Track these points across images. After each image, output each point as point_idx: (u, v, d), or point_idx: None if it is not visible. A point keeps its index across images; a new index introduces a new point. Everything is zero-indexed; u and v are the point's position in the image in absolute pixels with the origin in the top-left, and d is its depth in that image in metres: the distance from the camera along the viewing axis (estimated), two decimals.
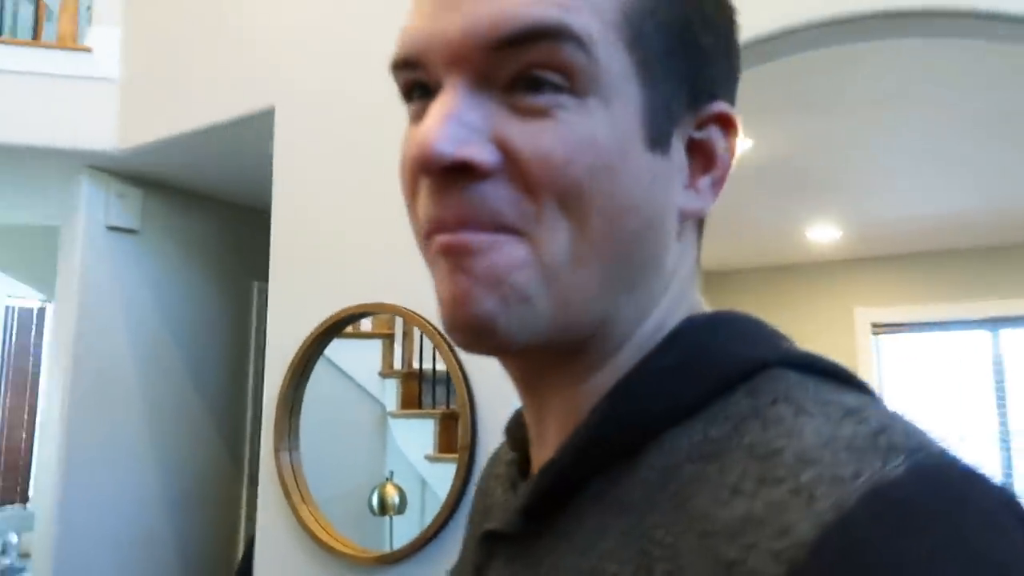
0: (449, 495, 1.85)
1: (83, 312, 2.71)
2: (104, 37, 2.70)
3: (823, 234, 4.63)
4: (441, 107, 0.39)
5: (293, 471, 2.08)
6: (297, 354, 2.09)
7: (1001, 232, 4.56)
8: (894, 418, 0.35)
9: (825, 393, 0.37)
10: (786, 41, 1.65)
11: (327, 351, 2.18)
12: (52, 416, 2.71)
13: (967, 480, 0.31)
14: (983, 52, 2.29)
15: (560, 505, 0.41)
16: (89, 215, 2.75)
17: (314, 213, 2.19)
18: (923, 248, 4.94)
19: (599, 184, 0.38)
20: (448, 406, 2.75)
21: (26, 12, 3.25)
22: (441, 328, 0.52)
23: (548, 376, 0.44)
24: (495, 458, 0.58)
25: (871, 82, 2.61)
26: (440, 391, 2.84)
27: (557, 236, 0.39)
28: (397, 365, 2.98)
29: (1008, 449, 4.83)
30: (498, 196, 0.38)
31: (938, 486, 0.31)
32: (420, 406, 2.89)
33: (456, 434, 1.89)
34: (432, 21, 0.40)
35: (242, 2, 2.49)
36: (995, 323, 4.89)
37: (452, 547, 1.82)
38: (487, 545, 0.46)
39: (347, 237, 2.11)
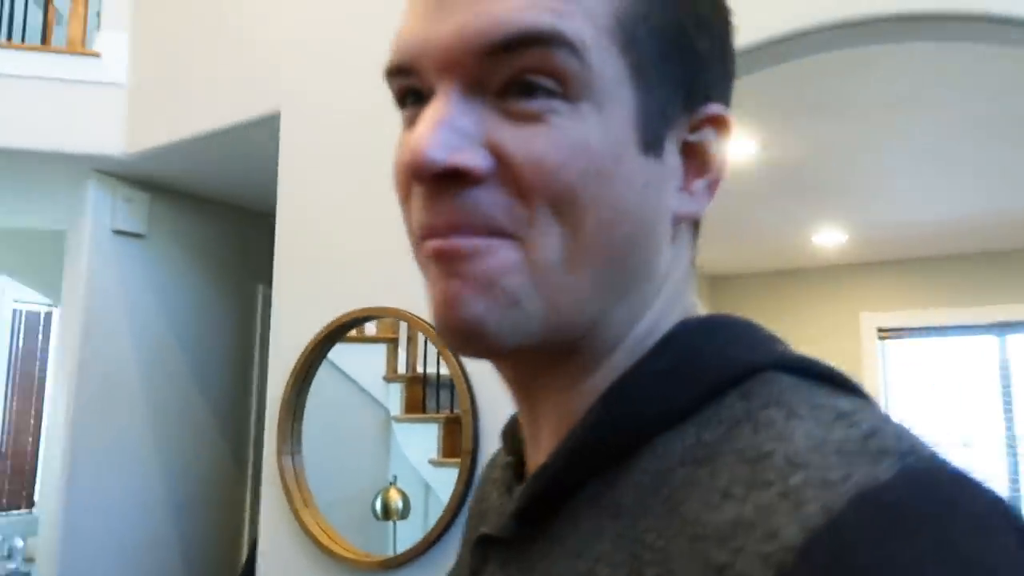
0: (451, 499, 1.85)
1: (89, 316, 2.72)
2: (112, 42, 2.72)
3: (829, 238, 4.62)
4: (433, 113, 0.39)
5: (295, 475, 2.08)
6: (300, 358, 2.10)
7: (1009, 237, 4.54)
8: (886, 422, 0.35)
9: (817, 397, 0.37)
10: (798, 43, 1.64)
11: (331, 355, 2.18)
12: (57, 420, 2.72)
13: (956, 484, 0.31)
14: (995, 56, 2.28)
15: (554, 509, 0.41)
16: (96, 219, 2.77)
17: (318, 217, 2.20)
18: (930, 252, 4.93)
19: (592, 188, 0.38)
20: (452, 410, 2.74)
21: (35, 17, 3.27)
22: None
23: (541, 379, 0.44)
24: (492, 462, 0.58)
25: (883, 85, 2.60)
26: (444, 395, 2.84)
27: (549, 240, 0.39)
28: (401, 369, 2.98)
29: (1015, 455, 4.81)
30: (491, 201, 0.38)
31: (927, 490, 0.30)
32: (424, 410, 2.89)
33: (460, 438, 1.89)
34: (424, 27, 0.40)
35: (249, 8, 2.50)
36: (1002, 328, 4.87)
37: (454, 551, 1.82)
38: (482, 549, 0.46)
39: (351, 241, 2.12)
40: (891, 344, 5.16)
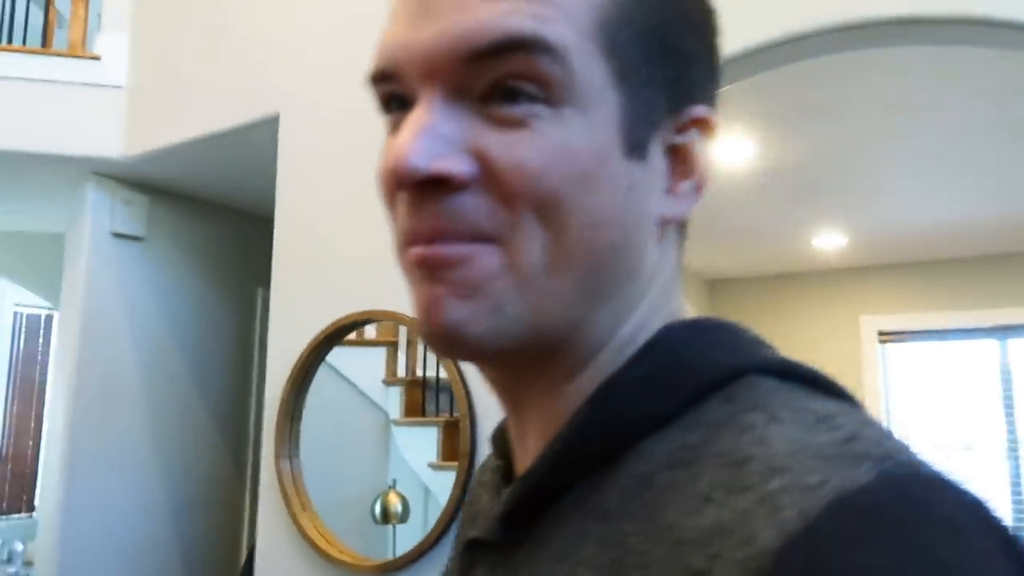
0: (448, 503, 1.85)
1: (88, 318, 2.72)
2: (112, 45, 2.72)
3: (829, 241, 4.62)
4: (416, 120, 0.39)
5: (293, 478, 2.08)
6: (299, 361, 2.10)
7: (1010, 240, 4.53)
8: (867, 425, 0.35)
9: (799, 400, 0.37)
10: (797, 46, 1.64)
11: (330, 358, 2.18)
12: (56, 423, 2.72)
13: (935, 487, 0.31)
14: (995, 59, 2.29)
15: (540, 512, 0.41)
16: (95, 222, 2.77)
17: (317, 220, 2.20)
18: (930, 256, 4.92)
19: (575, 193, 0.38)
20: (452, 414, 2.74)
21: (36, 19, 3.28)
22: None
23: (525, 382, 0.44)
24: (484, 465, 0.58)
25: (883, 88, 2.60)
26: (444, 399, 2.84)
27: (533, 244, 0.39)
28: (401, 373, 2.98)
29: (1016, 459, 4.80)
30: (474, 207, 0.39)
31: (905, 494, 0.30)
32: (423, 414, 2.89)
33: (459, 442, 1.89)
34: (407, 33, 0.40)
35: (248, 11, 2.50)
36: (1003, 332, 4.86)
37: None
38: (470, 553, 0.46)
39: (350, 244, 2.12)
40: (892, 348, 5.15)
